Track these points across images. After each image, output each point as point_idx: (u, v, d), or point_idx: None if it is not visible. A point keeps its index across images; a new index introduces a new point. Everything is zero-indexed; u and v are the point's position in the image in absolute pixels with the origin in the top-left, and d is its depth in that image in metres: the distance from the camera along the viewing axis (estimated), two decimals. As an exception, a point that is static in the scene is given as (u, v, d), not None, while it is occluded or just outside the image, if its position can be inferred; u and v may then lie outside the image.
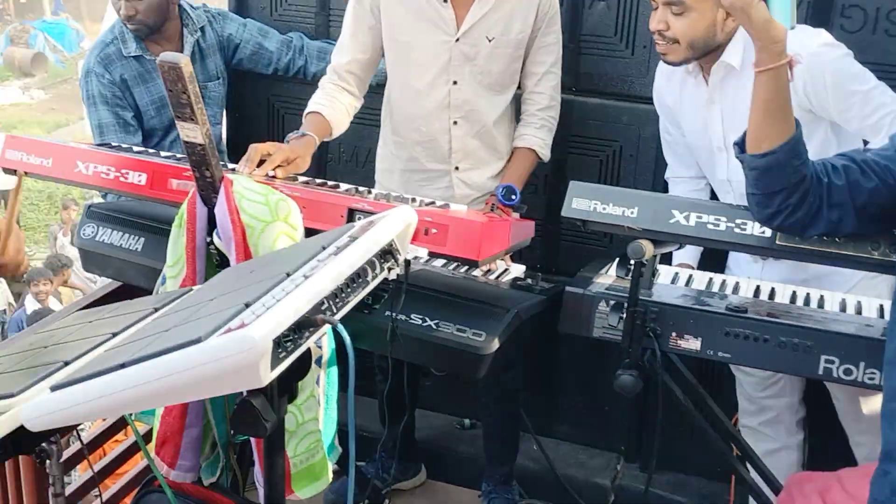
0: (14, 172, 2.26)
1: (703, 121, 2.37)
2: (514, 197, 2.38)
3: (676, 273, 2.28)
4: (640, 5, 2.72)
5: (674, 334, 1.98)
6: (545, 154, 2.62)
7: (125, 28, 2.87)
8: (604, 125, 2.85)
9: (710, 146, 2.38)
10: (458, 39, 2.50)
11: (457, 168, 2.62)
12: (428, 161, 2.63)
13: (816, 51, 2.15)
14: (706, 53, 2.25)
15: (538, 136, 2.60)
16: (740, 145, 1.77)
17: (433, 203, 2.20)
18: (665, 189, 2.65)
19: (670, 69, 2.39)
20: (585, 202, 1.99)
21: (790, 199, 1.71)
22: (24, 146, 2.27)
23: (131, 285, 2.41)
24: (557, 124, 2.64)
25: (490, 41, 2.50)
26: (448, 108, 2.57)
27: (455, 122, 2.58)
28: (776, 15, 1.63)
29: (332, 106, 2.54)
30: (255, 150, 2.20)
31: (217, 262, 2.01)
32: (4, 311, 9.18)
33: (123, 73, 2.87)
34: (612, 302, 2.04)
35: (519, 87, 2.64)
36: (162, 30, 2.91)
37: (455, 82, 2.54)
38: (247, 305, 1.31)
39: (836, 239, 1.81)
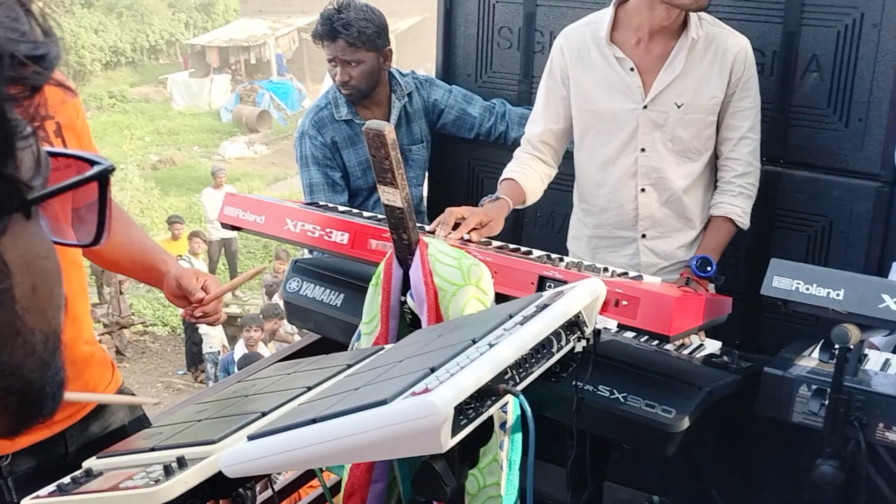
0: (232, 228, 2.43)
1: None
2: (709, 268, 2.31)
3: (887, 360, 2.13)
4: (854, 76, 2.60)
5: (881, 425, 1.85)
6: (744, 223, 2.53)
7: (338, 93, 3.03)
8: (812, 199, 2.72)
9: None
10: (645, 107, 2.48)
11: (643, 235, 2.58)
12: (614, 228, 2.60)
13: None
14: None
15: (736, 205, 2.51)
16: None
17: (626, 274, 2.16)
18: (880, 270, 2.50)
19: None
20: (787, 281, 1.90)
21: None
22: (241, 204, 2.43)
23: (330, 339, 2.51)
24: (762, 196, 2.55)
25: (679, 107, 2.46)
26: (635, 175, 2.54)
27: (643, 190, 2.54)
28: None
29: (527, 173, 2.57)
30: (451, 213, 2.26)
31: (410, 321, 2.07)
32: (219, 352, 9.79)
33: (334, 135, 3.03)
34: (813, 387, 1.93)
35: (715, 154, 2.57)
36: (372, 95, 3.06)
37: (643, 149, 2.51)
38: (432, 370, 1.33)
39: None
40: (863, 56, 2.57)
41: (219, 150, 21.07)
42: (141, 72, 30.93)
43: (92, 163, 0.61)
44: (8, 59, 0.50)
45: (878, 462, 1.95)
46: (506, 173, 2.59)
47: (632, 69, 2.48)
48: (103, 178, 0.61)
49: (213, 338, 9.82)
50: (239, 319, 9.53)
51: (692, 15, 2.41)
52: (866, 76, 2.57)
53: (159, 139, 22.31)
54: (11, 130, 0.50)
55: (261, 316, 9.02)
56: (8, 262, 0.51)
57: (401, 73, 3.11)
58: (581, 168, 2.65)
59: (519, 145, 2.68)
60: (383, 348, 1.88)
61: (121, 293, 10.65)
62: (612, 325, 1.97)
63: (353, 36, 2.90)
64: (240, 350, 8.59)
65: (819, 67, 2.66)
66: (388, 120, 3.03)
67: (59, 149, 0.60)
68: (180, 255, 10.60)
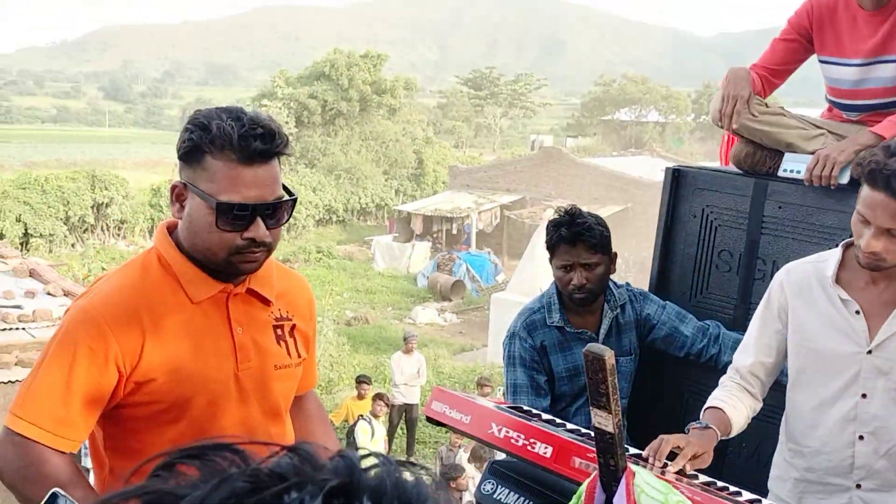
0: (437, 423, 2.48)
1: None
2: None
3: None
4: None
5: None
6: None
7: (553, 299, 3.09)
8: None
9: None
10: (870, 351, 2.38)
11: (858, 486, 2.42)
12: (826, 474, 2.46)
13: None
14: None
15: None
16: None
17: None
18: None
19: None
20: None
21: None
22: (449, 400, 2.49)
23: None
24: None
25: None
26: (854, 420, 2.41)
27: (861, 437, 2.40)
28: None
29: (734, 405, 2.50)
30: (667, 442, 2.22)
31: (606, 552, 2.01)
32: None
33: (544, 339, 3.07)
34: None
35: None
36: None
37: (864, 395, 2.40)
38: None
39: None
40: None
41: (411, 313, 21.71)
42: (349, 231, 32.81)
43: None
44: None
45: None
46: (712, 401, 2.53)
47: (857, 312, 2.41)
48: None
49: None
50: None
51: None
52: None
53: (356, 296, 23.29)
54: None
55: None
56: None
57: (616, 283, 3.15)
58: (794, 406, 2.56)
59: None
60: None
61: None
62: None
63: (595, 239, 2.99)
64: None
65: None
66: (598, 329, 3.05)
67: None
68: (362, 415, 10.83)
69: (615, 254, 3.07)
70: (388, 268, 26.48)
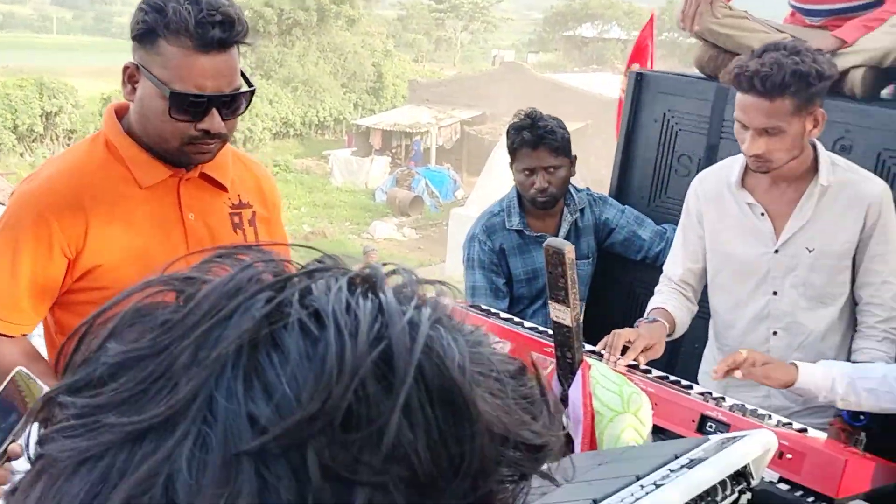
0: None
1: None
2: (862, 417, 2.22)
3: None
4: None
5: None
6: None
7: (513, 203, 3.09)
8: None
9: None
10: (776, 251, 2.47)
11: None
12: None
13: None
14: None
15: (882, 350, 2.43)
16: None
17: (790, 424, 2.10)
18: None
19: None
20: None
21: None
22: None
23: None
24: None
25: (810, 252, 2.43)
26: (767, 318, 2.52)
27: (775, 333, 2.51)
28: None
29: (674, 305, 2.59)
30: (619, 336, 2.27)
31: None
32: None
33: (503, 242, 3.09)
34: None
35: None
36: None
37: (775, 293, 2.50)
38: (594, 502, 1.33)
39: None
40: None
41: (369, 228, 21.70)
42: (306, 145, 32.41)
43: None
44: (512, 443, 0.51)
45: None
46: (654, 304, 2.63)
47: (762, 214, 2.49)
48: None
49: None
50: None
51: (823, 161, 2.41)
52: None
53: (314, 211, 23.20)
54: None
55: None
56: None
57: (576, 188, 3.16)
58: (714, 307, 2.67)
59: None
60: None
61: None
62: (772, 476, 1.92)
63: (557, 142, 2.98)
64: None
65: None
66: (557, 233, 3.07)
67: None
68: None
69: (575, 157, 3.07)
70: (347, 182, 26.34)
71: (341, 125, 34.34)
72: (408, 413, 0.47)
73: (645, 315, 2.58)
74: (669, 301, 2.60)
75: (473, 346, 0.51)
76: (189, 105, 1.82)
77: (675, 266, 2.68)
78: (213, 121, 1.84)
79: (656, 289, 2.69)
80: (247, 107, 1.93)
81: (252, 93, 1.93)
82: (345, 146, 30.41)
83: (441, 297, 0.55)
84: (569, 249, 1.92)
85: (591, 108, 25.01)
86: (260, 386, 0.46)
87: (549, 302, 2.00)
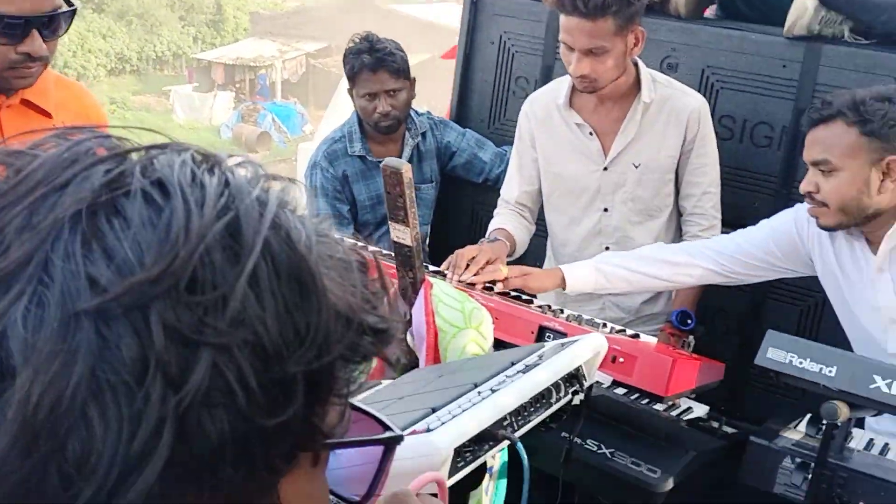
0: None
1: (870, 291, 2.17)
2: (689, 321, 2.36)
3: (871, 439, 2.16)
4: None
5: (862, 504, 1.88)
6: None
7: (354, 129, 3.07)
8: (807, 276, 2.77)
9: (881, 318, 2.18)
10: (605, 168, 2.58)
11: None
12: None
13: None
14: (867, 219, 2.09)
15: None
16: None
17: (623, 331, 2.20)
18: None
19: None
20: (782, 354, 1.94)
21: None
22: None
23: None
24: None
25: (637, 168, 2.56)
26: (600, 234, 2.64)
27: (607, 248, 2.62)
28: None
29: (513, 226, 2.67)
30: (461, 256, 2.31)
31: (407, 359, 2.09)
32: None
33: (346, 169, 3.07)
34: (798, 460, 1.95)
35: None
36: None
37: (606, 209, 2.61)
38: (433, 410, 1.36)
39: None
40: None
41: (216, 166, 21.07)
42: (144, 81, 31.01)
43: (384, 426, 0.66)
44: (356, 324, 0.53)
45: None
46: (493, 225, 2.69)
47: (591, 133, 2.58)
48: (390, 445, 0.66)
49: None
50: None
51: (645, 79, 2.52)
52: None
53: (157, 150, 22.32)
54: (333, 386, 0.54)
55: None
56: (283, 498, 0.54)
57: (417, 112, 3.15)
58: (550, 226, 2.77)
59: None
60: (380, 383, 1.90)
61: None
62: (606, 380, 2.01)
63: (397, 64, 2.95)
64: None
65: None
66: (399, 157, 3.07)
67: (362, 405, 0.65)
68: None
69: (414, 79, 3.06)
70: (190, 119, 25.44)
71: (181, 60, 32.96)
72: (254, 283, 0.48)
73: (486, 236, 2.63)
74: (508, 222, 2.66)
75: (320, 233, 0.54)
76: (7, 27, 1.73)
77: (512, 189, 2.74)
78: (35, 43, 1.76)
79: (495, 211, 2.75)
80: (67, 27, 1.85)
81: (73, 12, 1.84)
82: (186, 82, 29.28)
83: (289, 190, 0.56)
84: (406, 169, 1.93)
85: (437, 39, 24.93)
86: (100, 249, 0.46)
87: (390, 222, 2.01)
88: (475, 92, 3.29)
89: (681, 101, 2.54)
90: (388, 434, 0.65)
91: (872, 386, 1.85)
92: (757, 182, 2.80)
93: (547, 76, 3.07)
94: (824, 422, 1.87)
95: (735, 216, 2.62)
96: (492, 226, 2.69)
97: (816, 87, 2.66)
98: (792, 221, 2.30)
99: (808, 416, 2.06)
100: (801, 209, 2.23)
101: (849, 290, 2.22)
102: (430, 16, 27.54)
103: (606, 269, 2.39)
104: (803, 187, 2.12)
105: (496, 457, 1.96)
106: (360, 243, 2.62)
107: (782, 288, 2.79)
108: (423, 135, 3.14)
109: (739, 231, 2.41)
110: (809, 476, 1.91)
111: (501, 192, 2.78)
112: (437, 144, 3.18)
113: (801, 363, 1.92)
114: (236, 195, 0.50)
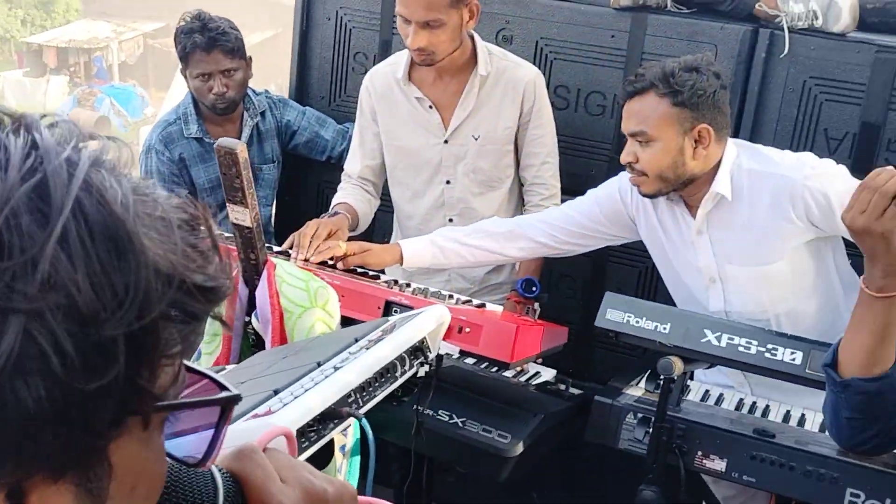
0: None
1: (691, 252, 2.26)
2: (534, 289, 2.42)
3: (707, 391, 2.28)
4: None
5: (699, 453, 1.97)
6: None
7: (189, 110, 2.97)
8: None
9: (702, 278, 2.27)
10: (446, 141, 2.62)
11: None
12: None
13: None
14: (684, 185, 2.17)
15: None
16: (831, 366, 1.66)
17: (469, 302, 2.23)
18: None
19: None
20: (619, 314, 2.01)
21: (893, 422, 1.63)
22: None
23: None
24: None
25: (476, 140, 2.60)
26: (443, 206, 2.68)
27: (451, 220, 2.67)
28: None
29: (356, 198, 2.67)
30: (303, 234, 2.29)
31: (253, 342, 2.05)
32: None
33: (183, 152, 2.97)
34: (639, 415, 2.04)
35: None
36: None
37: (448, 182, 2.65)
38: (275, 392, 1.34)
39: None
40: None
41: (52, 154, 20.13)
42: (-30, 67, 29.19)
43: (221, 387, 0.63)
44: (178, 282, 0.51)
45: (697, 488, 2.07)
46: (336, 199, 2.69)
47: (430, 107, 2.61)
48: (227, 406, 0.63)
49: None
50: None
51: (481, 52, 2.56)
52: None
53: (-13, 140, 21.10)
54: (159, 347, 0.52)
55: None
56: (113, 463, 0.52)
57: (255, 91, 3.08)
58: (394, 200, 2.79)
59: None
60: (224, 369, 1.86)
61: None
62: (454, 350, 2.03)
63: (231, 44, 2.86)
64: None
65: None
66: (239, 138, 2.99)
67: (197, 366, 0.62)
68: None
69: (251, 58, 2.99)
70: (21, 106, 24.08)
71: (9, 44, 31.21)
72: (65, 245, 0.47)
73: (329, 211, 2.61)
74: (350, 196, 2.66)
75: (139, 192, 0.52)
76: None
77: (354, 163, 2.73)
78: None
79: (339, 186, 2.73)
80: None
81: None
82: (15, 67, 27.74)
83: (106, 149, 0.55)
84: (241, 148, 1.89)
85: (282, 16, 24.48)
86: None
87: (228, 204, 1.97)
88: (314, 69, 3.25)
89: (515, 73, 2.58)
90: (223, 394, 0.64)
91: (703, 340, 1.94)
92: (593, 149, 2.88)
93: (385, 51, 3.05)
94: (662, 377, 1.95)
95: (573, 183, 2.69)
96: (334, 200, 2.68)
97: (643, 56, 2.75)
98: (616, 189, 2.38)
99: (648, 372, 2.14)
100: (625, 177, 2.30)
101: (672, 252, 2.31)
102: (273, -7, 27.03)
103: (442, 244, 2.42)
104: (623, 158, 2.18)
105: (348, 434, 1.96)
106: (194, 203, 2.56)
107: (622, 251, 2.88)
108: (262, 114, 3.07)
109: (568, 202, 2.47)
110: (650, 430, 2.00)
111: (345, 166, 2.77)
112: (277, 123, 3.12)
113: (637, 322, 2.00)
114: (44, 156, 0.49)
